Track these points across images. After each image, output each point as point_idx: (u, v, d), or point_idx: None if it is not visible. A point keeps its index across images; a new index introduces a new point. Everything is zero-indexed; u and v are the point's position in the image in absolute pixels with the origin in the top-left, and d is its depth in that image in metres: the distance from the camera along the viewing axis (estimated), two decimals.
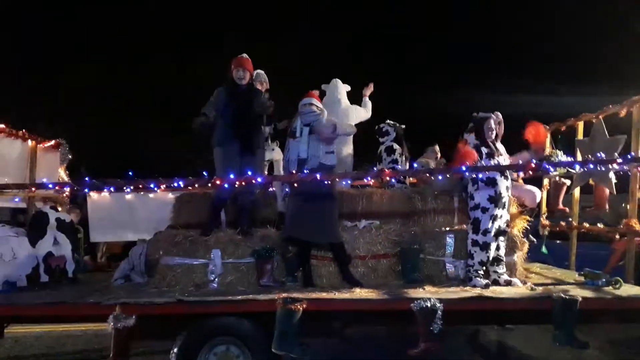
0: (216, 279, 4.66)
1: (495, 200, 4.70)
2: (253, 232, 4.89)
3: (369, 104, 6.31)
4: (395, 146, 6.20)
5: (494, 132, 4.89)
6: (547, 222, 6.87)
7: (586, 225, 6.11)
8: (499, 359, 5.75)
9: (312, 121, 4.80)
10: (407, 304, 3.97)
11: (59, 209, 5.63)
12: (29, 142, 5.88)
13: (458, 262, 4.90)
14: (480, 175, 4.64)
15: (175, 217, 5.37)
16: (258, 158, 5.02)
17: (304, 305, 3.90)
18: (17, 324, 5.05)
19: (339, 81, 6.35)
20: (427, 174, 5.39)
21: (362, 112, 6.24)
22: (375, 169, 5.78)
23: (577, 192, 6.38)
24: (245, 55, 5.08)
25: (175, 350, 4.10)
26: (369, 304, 4.12)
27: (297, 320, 3.87)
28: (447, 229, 5.14)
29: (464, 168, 4.25)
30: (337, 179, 4.87)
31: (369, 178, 5.15)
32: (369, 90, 6.36)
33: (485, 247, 4.68)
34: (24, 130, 5.70)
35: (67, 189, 5.79)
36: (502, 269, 4.83)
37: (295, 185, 4.66)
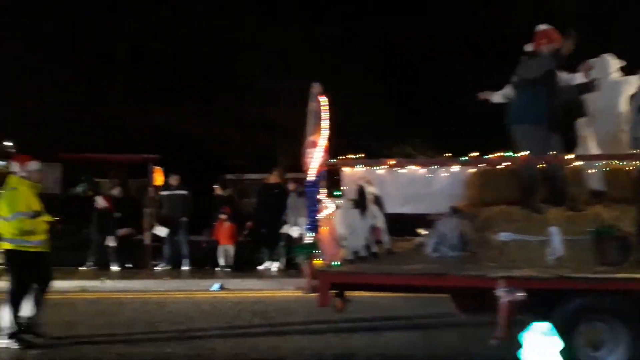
0: (555, 257, 4.64)
1: None
2: (582, 208, 4.82)
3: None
4: None
5: None
6: None
7: None
8: None
9: None
10: None
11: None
12: None
13: None
14: None
15: (478, 193, 5.40)
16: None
17: None
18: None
19: (610, 57, 5.91)
20: None
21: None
22: None
23: None
24: None
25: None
26: None
27: None
28: None
29: None
30: None
31: None
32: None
33: None
34: None
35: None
36: None
37: None
